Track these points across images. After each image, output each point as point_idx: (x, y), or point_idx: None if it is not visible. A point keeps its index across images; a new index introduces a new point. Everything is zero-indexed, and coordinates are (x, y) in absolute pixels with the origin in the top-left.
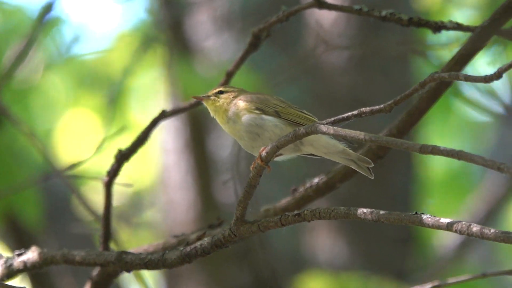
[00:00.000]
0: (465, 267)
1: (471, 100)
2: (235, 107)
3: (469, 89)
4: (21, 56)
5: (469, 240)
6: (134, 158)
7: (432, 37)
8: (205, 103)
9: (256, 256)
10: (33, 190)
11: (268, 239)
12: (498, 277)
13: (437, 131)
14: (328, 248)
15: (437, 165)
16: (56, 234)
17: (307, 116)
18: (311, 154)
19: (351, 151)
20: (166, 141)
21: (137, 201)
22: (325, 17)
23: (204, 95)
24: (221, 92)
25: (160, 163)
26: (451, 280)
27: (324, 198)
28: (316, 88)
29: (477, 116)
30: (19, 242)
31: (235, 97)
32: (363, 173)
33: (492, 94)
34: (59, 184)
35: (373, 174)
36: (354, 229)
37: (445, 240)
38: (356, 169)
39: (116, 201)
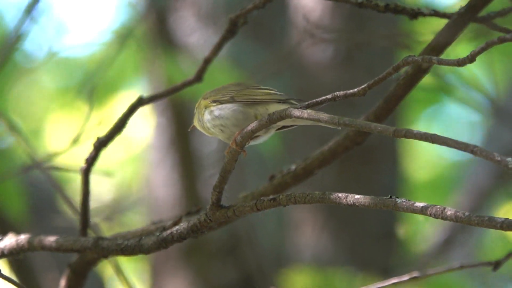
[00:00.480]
0: (449, 264)
1: (463, 98)
2: (199, 109)
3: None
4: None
5: (453, 236)
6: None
7: (419, 31)
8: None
9: (242, 252)
10: (16, 183)
11: (253, 236)
12: (481, 274)
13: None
14: (313, 245)
15: (423, 164)
16: (40, 228)
17: (264, 91)
18: (284, 127)
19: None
20: (151, 138)
21: (121, 199)
22: (310, 11)
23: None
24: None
25: (144, 160)
26: (429, 271)
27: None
28: (301, 84)
29: (467, 114)
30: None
31: (200, 101)
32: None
33: (481, 90)
34: (43, 178)
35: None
36: (339, 225)
37: (430, 236)
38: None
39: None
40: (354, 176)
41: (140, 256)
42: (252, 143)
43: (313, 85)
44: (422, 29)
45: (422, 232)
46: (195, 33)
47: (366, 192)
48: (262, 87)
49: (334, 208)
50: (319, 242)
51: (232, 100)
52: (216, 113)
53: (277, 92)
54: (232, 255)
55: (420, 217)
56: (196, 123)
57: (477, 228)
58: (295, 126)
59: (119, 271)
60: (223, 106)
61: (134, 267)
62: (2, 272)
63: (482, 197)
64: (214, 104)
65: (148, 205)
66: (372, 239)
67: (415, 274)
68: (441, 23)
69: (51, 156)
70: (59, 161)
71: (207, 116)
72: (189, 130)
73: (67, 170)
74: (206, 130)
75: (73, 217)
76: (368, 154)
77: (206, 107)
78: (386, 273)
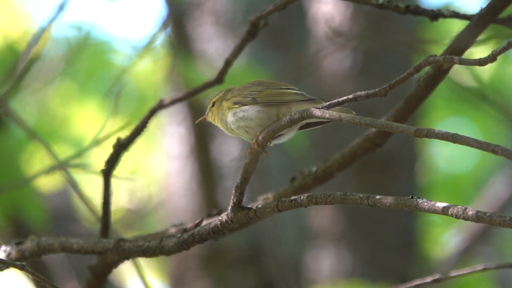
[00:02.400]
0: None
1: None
2: (222, 109)
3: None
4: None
5: (472, 245)
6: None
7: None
8: (208, 119)
9: (261, 261)
10: (36, 190)
11: (272, 245)
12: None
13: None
14: (332, 254)
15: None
16: (59, 234)
17: (284, 91)
18: (307, 126)
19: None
20: (171, 148)
21: (141, 208)
22: (329, 19)
23: (204, 116)
24: (214, 104)
25: (164, 170)
26: (452, 273)
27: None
28: (318, 94)
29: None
30: None
31: (221, 101)
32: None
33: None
34: (62, 186)
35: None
36: (358, 235)
37: (449, 246)
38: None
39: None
40: (373, 186)
41: (159, 265)
42: (276, 142)
43: (331, 95)
44: (439, 34)
45: (441, 242)
46: (213, 42)
47: None
48: (283, 86)
49: (353, 218)
50: (338, 252)
51: (254, 102)
52: (240, 115)
53: (299, 92)
54: (251, 264)
55: (439, 228)
56: (212, 118)
57: (496, 237)
58: (318, 126)
59: (141, 273)
60: (246, 108)
61: (154, 276)
62: (27, 267)
63: (503, 201)
64: (236, 106)
65: (167, 214)
66: (391, 249)
67: (437, 276)
68: (456, 27)
69: (72, 158)
70: (81, 162)
71: (231, 118)
72: (196, 122)
73: (87, 171)
74: (229, 130)
75: (92, 225)
76: (387, 164)
77: (229, 108)
78: (404, 283)
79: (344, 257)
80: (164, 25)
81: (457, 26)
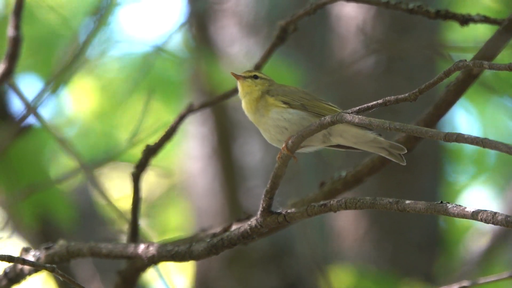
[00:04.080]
0: (492, 271)
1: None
2: (263, 101)
3: None
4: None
5: (496, 244)
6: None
7: (459, 40)
8: (239, 83)
9: (284, 261)
10: (64, 193)
11: (295, 244)
12: None
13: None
14: (355, 253)
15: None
16: (85, 239)
17: (333, 108)
18: (338, 146)
19: (382, 138)
20: (193, 148)
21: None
22: (351, 22)
23: (240, 74)
24: (256, 77)
25: (185, 171)
26: (479, 280)
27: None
28: (342, 93)
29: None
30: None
31: (266, 88)
32: (395, 161)
33: None
34: (89, 189)
35: (405, 161)
36: (381, 233)
37: (473, 244)
38: (388, 157)
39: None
40: (396, 184)
41: (183, 265)
42: (304, 150)
43: (356, 94)
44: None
45: (465, 240)
46: (236, 43)
47: (407, 198)
48: (330, 103)
49: (376, 216)
50: (361, 250)
51: (303, 108)
52: (286, 116)
53: (339, 109)
54: (274, 264)
55: (464, 226)
56: (248, 90)
57: None
58: (348, 149)
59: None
60: (294, 111)
61: (178, 276)
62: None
63: None
64: (284, 105)
65: (190, 214)
66: (414, 247)
67: (465, 283)
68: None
69: (100, 160)
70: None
71: (273, 115)
72: (231, 73)
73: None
74: (257, 119)
75: (118, 228)
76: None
77: (274, 105)
78: (428, 281)
79: (367, 256)
80: (187, 26)
81: (480, 31)
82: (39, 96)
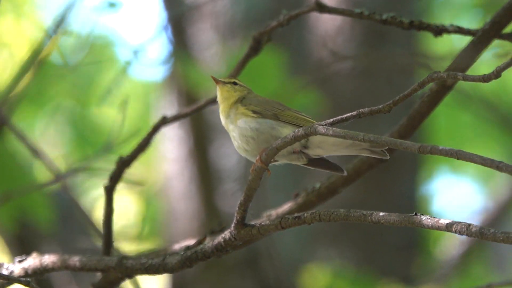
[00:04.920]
0: (471, 272)
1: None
2: (235, 109)
3: None
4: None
5: (474, 246)
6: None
7: (436, 49)
8: (219, 88)
9: (260, 265)
10: (43, 195)
11: (272, 248)
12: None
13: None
14: (333, 256)
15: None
16: (67, 240)
17: (306, 118)
18: (312, 163)
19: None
20: (169, 151)
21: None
22: (329, 25)
23: (220, 79)
24: (235, 84)
25: (162, 173)
26: None
27: (328, 206)
28: (321, 94)
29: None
30: (26, 248)
31: (242, 96)
32: (379, 157)
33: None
34: (66, 198)
35: (388, 155)
36: (359, 236)
37: (451, 246)
38: (371, 155)
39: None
40: (375, 185)
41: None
42: (279, 163)
43: (333, 95)
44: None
45: (443, 242)
46: (213, 46)
47: (386, 200)
48: (303, 114)
49: None
50: (338, 251)
51: (275, 117)
52: (253, 125)
53: (312, 120)
54: (250, 268)
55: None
56: (227, 98)
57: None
58: (326, 169)
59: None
60: (263, 120)
61: (153, 280)
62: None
63: (507, 199)
64: (255, 115)
65: (167, 217)
66: (392, 249)
67: None
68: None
69: (75, 169)
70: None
71: (241, 124)
72: (211, 76)
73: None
74: (227, 126)
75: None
76: (389, 164)
77: (244, 114)
78: (406, 282)
79: (345, 258)
80: (165, 29)
81: (456, 42)
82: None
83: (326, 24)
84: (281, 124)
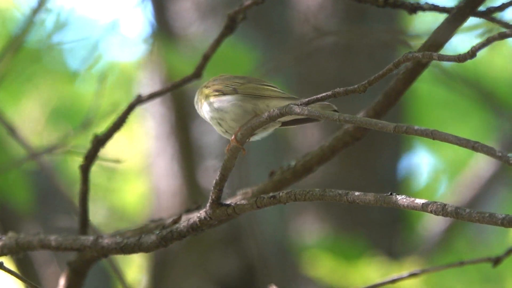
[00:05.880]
0: (454, 248)
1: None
2: (199, 94)
3: None
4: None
5: (457, 221)
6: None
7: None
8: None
9: (243, 242)
10: (21, 174)
11: (254, 224)
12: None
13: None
14: (316, 232)
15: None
16: (44, 226)
17: (268, 87)
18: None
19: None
20: (151, 128)
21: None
22: (311, 1)
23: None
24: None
25: (144, 150)
26: (428, 269)
27: (311, 182)
28: (301, 72)
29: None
30: (5, 229)
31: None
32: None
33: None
34: (45, 177)
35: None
36: (342, 212)
37: (435, 222)
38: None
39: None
40: (357, 162)
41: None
42: (254, 138)
43: (315, 72)
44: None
45: (426, 218)
46: (194, 24)
47: (368, 177)
48: (266, 83)
49: None
50: (322, 230)
51: (234, 92)
52: (216, 105)
53: (280, 91)
54: (232, 245)
55: None
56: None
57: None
58: (298, 124)
59: (115, 269)
60: (224, 98)
61: (134, 257)
62: (5, 265)
63: (484, 181)
64: (216, 93)
65: (149, 194)
66: (376, 223)
67: (415, 271)
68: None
69: (51, 147)
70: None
71: (206, 107)
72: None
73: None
74: (202, 116)
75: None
76: (371, 139)
77: (207, 96)
78: (390, 257)
79: (328, 234)
80: (145, 6)
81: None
82: None
83: (308, 0)
84: (241, 98)
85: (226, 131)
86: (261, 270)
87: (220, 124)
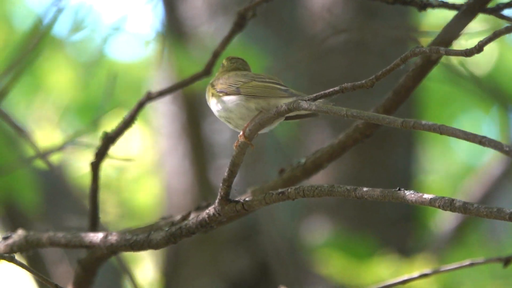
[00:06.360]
0: (466, 245)
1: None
2: (207, 91)
3: None
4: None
5: (469, 218)
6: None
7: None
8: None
9: (255, 240)
10: (30, 174)
11: (266, 222)
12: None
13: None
14: (327, 231)
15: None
16: (53, 225)
17: (268, 84)
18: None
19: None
20: (163, 126)
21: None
22: (322, 0)
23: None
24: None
25: (156, 148)
26: (440, 269)
27: (321, 181)
28: (313, 70)
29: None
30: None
31: (214, 79)
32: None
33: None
34: (58, 175)
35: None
36: (353, 210)
37: (446, 219)
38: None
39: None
40: (369, 160)
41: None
42: (261, 131)
43: (326, 70)
44: (431, 22)
45: (438, 215)
46: (205, 22)
47: (380, 174)
48: (267, 80)
49: None
50: (334, 226)
51: (237, 92)
52: (220, 106)
53: (281, 87)
54: (245, 244)
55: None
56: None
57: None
58: (305, 118)
59: (124, 268)
60: (228, 98)
61: (146, 255)
62: (16, 259)
63: (495, 180)
64: (221, 94)
65: (160, 192)
66: (388, 222)
67: (426, 271)
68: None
69: (57, 147)
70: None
71: (213, 106)
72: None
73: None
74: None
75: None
76: (383, 137)
77: (213, 95)
78: (402, 255)
79: (340, 232)
80: (156, 5)
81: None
82: None
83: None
84: (244, 98)
85: (236, 126)
86: (275, 268)
87: (229, 122)
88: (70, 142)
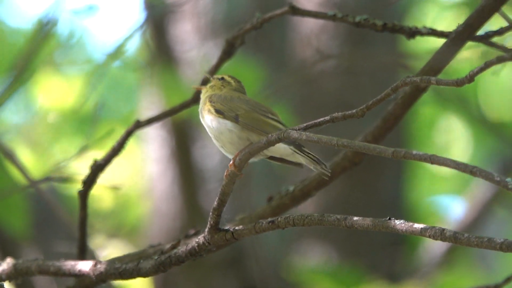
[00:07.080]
0: (455, 270)
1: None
2: (203, 104)
3: None
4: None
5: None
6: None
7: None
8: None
9: (244, 264)
10: (19, 200)
11: (255, 247)
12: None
13: None
14: (317, 254)
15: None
16: (43, 251)
17: (268, 121)
18: (272, 158)
19: (300, 154)
20: (152, 151)
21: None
22: (313, 23)
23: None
24: (222, 79)
25: (145, 173)
26: None
27: (312, 205)
28: (303, 93)
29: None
30: (4, 254)
31: (209, 95)
32: (321, 171)
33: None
34: (48, 199)
35: (329, 172)
36: (343, 234)
37: (436, 244)
38: (315, 169)
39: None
40: (359, 183)
41: None
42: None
43: (317, 93)
44: (421, 49)
45: (427, 240)
46: (194, 47)
47: (370, 198)
48: (270, 115)
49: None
50: (324, 252)
51: (235, 119)
52: (215, 125)
53: (281, 123)
54: (233, 267)
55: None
56: (204, 92)
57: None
58: (291, 165)
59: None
60: (224, 122)
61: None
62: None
63: (485, 203)
64: (217, 114)
65: (149, 218)
66: (377, 246)
67: None
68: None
69: (48, 176)
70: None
71: (208, 122)
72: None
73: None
74: (201, 120)
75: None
76: (372, 160)
77: (209, 111)
78: (390, 280)
79: (329, 256)
80: (144, 31)
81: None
82: None
83: (310, 23)
84: (239, 127)
85: (222, 147)
86: None
87: (217, 140)
88: (59, 170)
